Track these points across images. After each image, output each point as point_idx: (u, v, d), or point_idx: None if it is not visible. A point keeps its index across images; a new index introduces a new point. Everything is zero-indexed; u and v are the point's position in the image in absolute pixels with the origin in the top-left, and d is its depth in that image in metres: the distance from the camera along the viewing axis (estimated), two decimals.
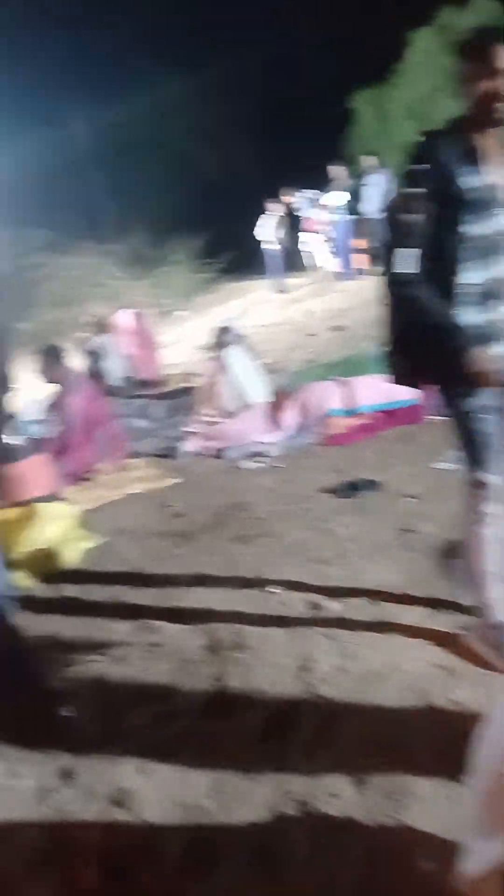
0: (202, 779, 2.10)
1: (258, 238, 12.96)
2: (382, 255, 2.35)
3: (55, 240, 15.07)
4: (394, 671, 2.41)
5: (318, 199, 12.45)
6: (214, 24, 18.38)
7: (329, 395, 5.55)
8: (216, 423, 5.83)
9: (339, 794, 1.98)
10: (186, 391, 7.35)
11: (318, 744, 2.17)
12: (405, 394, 5.43)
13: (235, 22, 18.13)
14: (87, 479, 4.98)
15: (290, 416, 5.61)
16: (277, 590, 3.09)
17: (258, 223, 12.85)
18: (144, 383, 8.34)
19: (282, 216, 12.91)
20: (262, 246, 13.03)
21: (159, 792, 2.07)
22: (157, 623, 2.96)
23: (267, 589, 3.12)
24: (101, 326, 8.69)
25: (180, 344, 11.70)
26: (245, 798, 2.02)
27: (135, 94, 17.48)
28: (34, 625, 2.98)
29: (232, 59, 17.44)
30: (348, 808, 1.95)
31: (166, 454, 5.54)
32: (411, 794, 1.95)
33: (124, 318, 9.14)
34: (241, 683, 2.49)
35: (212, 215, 16.36)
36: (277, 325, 10.88)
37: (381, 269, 2.38)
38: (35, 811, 2.06)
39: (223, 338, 6.13)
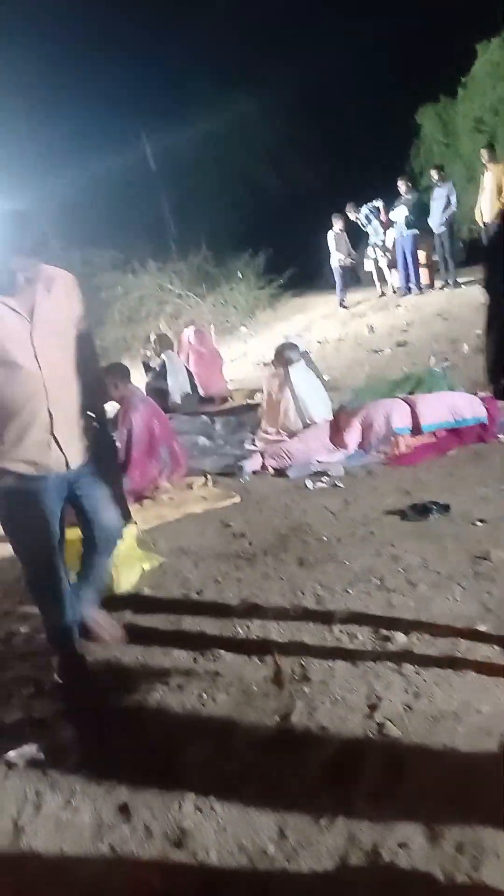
0: (265, 821, 2.00)
1: (326, 253, 12.90)
2: (491, 264, 2.16)
3: (123, 260, 15.38)
4: (468, 712, 2.27)
5: (382, 214, 12.33)
6: (277, 42, 18.50)
7: (393, 413, 5.41)
8: (278, 441, 5.75)
9: (408, 845, 1.86)
10: (249, 408, 7.33)
11: (386, 789, 2.04)
12: (473, 412, 5.28)
13: (298, 40, 18.23)
14: (148, 498, 4.96)
15: (353, 435, 5.48)
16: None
17: (327, 239, 12.79)
18: (207, 400, 8.36)
19: (346, 231, 12.84)
20: (329, 262, 12.97)
21: (220, 833, 1.99)
22: (218, 651, 2.87)
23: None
24: (165, 344, 8.75)
25: (243, 360, 11.70)
26: (310, 844, 1.92)
27: (198, 115, 17.72)
28: (92, 649, 2.94)
29: (295, 77, 17.51)
30: (419, 860, 1.82)
31: (228, 472, 5.49)
32: (488, 848, 1.81)
33: (188, 336, 9.21)
34: (305, 720, 2.38)
35: (275, 232, 16.43)
36: (340, 340, 10.76)
37: (486, 277, 2.19)
38: (91, 848, 1.99)
39: (286, 354, 6.06)
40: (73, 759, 2.35)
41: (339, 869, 1.84)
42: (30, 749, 2.39)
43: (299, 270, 15.76)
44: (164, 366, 8.27)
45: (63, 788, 2.22)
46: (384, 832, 1.91)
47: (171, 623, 3.18)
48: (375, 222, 12.41)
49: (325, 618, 3.03)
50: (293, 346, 6.23)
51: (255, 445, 5.97)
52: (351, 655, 2.70)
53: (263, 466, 5.49)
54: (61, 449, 2.48)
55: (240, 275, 16.09)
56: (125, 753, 2.35)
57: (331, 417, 5.80)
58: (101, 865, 1.94)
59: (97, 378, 2.77)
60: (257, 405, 6.94)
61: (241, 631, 3.02)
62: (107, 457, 2.74)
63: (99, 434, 2.67)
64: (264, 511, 4.57)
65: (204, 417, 7.19)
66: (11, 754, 2.38)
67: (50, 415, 2.43)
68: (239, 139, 19.36)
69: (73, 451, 2.52)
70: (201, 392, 8.47)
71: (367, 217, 12.51)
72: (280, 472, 5.35)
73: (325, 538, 3.93)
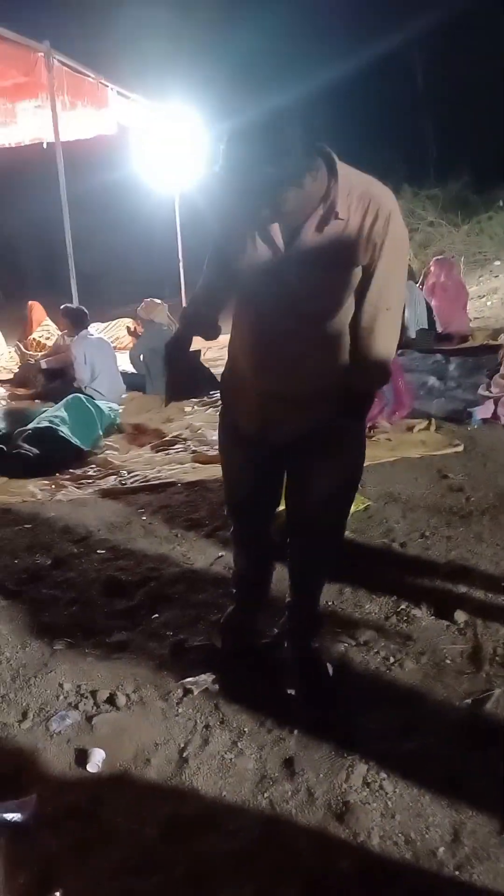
0: (439, 817, 1.78)
1: None
2: None
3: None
4: None
5: None
6: None
7: None
8: None
9: None
10: (490, 350, 6.74)
11: None
12: None
13: None
14: (366, 436, 4.73)
15: None
16: None
17: None
18: (445, 337, 7.83)
19: None
20: None
21: (387, 818, 1.80)
22: (413, 612, 2.63)
23: None
24: (407, 274, 8.28)
25: (493, 297, 10.83)
26: (487, 857, 1.67)
27: (471, 32, 16.18)
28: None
29: None
30: None
31: (455, 418, 5.07)
32: None
33: (434, 266, 8.63)
34: (502, 711, 2.09)
35: None
36: None
37: None
38: (250, 798, 1.90)
39: None
40: (246, 697, 2.26)
41: None
42: (207, 678, 2.35)
43: None
44: None
45: (232, 728, 2.14)
46: None
47: (368, 572, 2.97)
48: None
49: None
50: None
51: (489, 392, 5.45)
52: None
53: (496, 415, 5.00)
54: None
55: (501, 203, 14.78)
56: (299, 704, 2.22)
57: None
58: (256, 820, 1.84)
59: None
60: (500, 347, 6.35)
61: (442, 595, 2.75)
62: None
63: None
64: (489, 465, 4.15)
65: (438, 356, 6.71)
66: (189, 680, 2.35)
67: None
68: None
69: None
70: (439, 328, 7.94)
71: None
72: None
73: None
